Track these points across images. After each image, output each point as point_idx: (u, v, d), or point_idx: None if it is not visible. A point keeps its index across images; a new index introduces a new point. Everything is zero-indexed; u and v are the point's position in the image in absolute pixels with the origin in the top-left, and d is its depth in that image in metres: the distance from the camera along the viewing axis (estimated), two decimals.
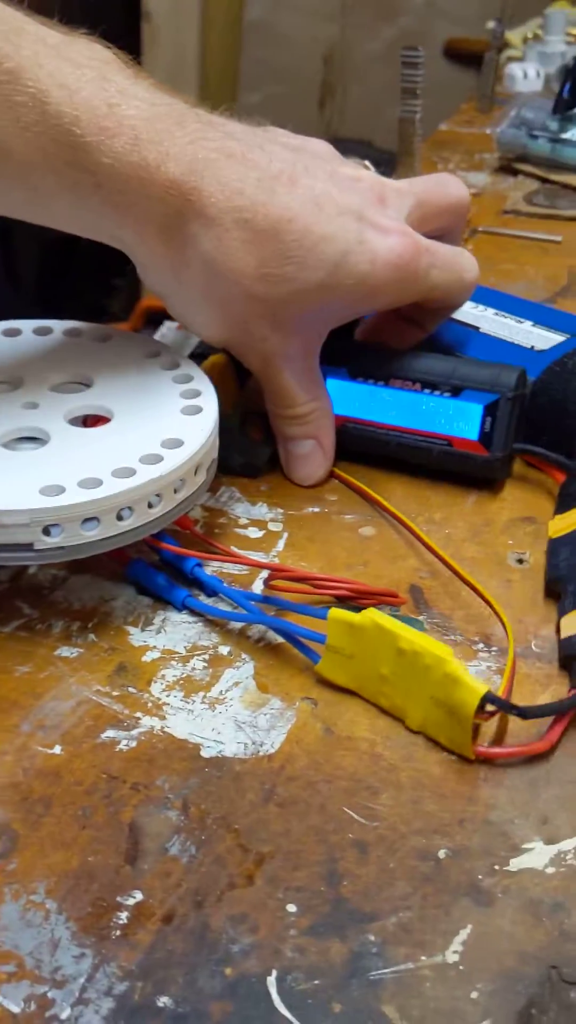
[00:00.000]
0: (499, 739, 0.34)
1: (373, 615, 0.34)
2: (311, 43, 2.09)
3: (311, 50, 2.10)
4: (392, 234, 0.41)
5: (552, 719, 0.33)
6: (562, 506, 0.42)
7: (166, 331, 0.57)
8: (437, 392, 0.44)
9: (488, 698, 0.31)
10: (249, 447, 0.46)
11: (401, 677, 0.33)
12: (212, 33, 1.90)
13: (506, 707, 0.32)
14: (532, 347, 0.48)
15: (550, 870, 0.29)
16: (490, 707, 0.32)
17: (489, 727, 0.34)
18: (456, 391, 0.44)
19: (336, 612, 0.35)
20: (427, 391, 0.45)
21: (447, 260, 0.44)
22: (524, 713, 0.33)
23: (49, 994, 0.26)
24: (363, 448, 0.46)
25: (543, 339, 0.49)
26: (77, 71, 0.37)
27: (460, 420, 0.44)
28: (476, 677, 0.32)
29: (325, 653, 0.35)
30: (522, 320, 0.51)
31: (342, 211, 0.41)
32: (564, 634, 0.36)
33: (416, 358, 0.46)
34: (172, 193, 0.38)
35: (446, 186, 0.46)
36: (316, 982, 0.27)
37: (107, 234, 0.40)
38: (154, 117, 0.38)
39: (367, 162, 0.48)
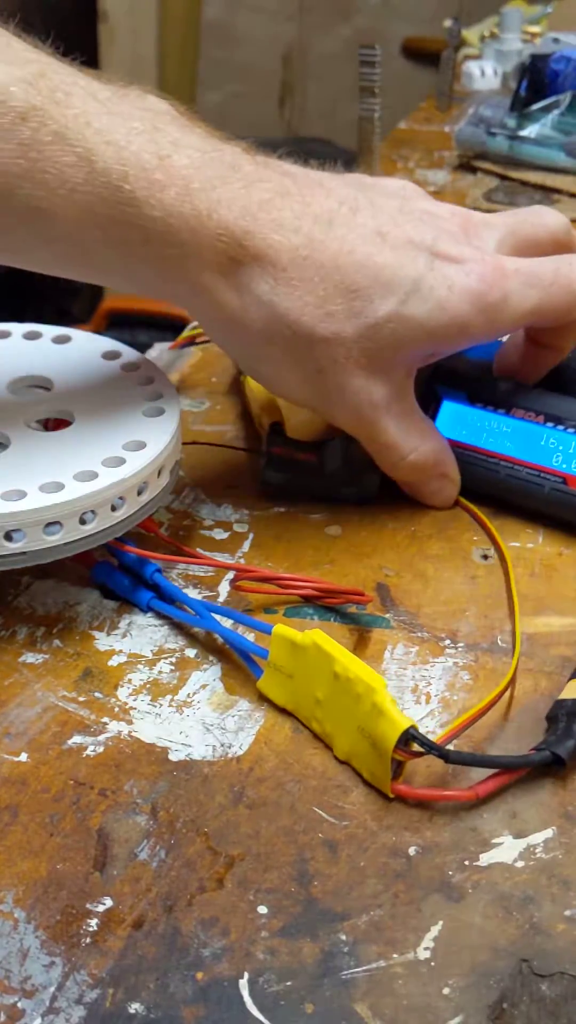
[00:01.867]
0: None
1: (316, 636, 0.33)
2: (270, 42, 2.10)
3: (270, 49, 2.10)
4: (468, 261, 0.39)
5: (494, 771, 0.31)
6: None
7: (158, 353, 0.56)
8: (560, 427, 0.42)
9: (410, 734, 0.30)
10: (356, 474, 0.43)
11: (334, 703, 0.32)
12: (170, 33, 1.90)
13: (428, 746, 0.30)
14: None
15: (520, 864, 0.29)
16: (416, 747, 0.30)
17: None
18: None
19: (280, 629, 0.34)
20: (550, 424, 0.42)
21: (544, 275, 0.40)
22: (447, 757, 0.30)
23: (19, 1004, 0.26)
24: (467, 479, 0.44)
25: None
26: (127, 124, 0.36)
27: None
28: (403, 713, 0.30)
29: (266, 670, 0.34)
30: None
31: (410, 241, 0.39)
32: (562, 696, 0.34)
33: (544, 393, 0.43)
34: (224, 240, 0.37)
35: (541, 215, 0.43)
36: (288, 983, 0.26)
37: (159, 290, 0.39)
38: (206, 164, 0.37)
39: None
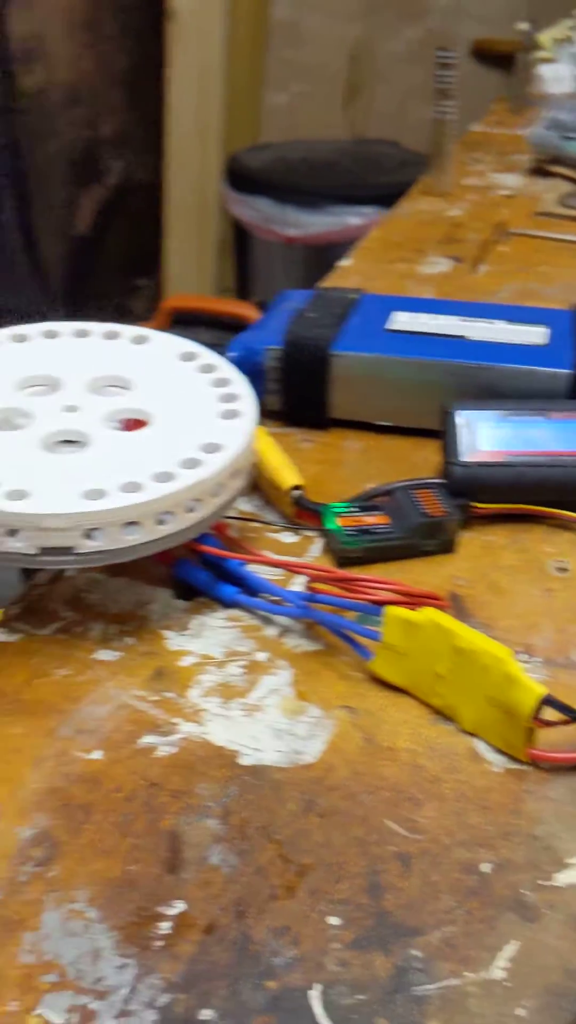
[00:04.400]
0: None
1: (431, 614, 0.34)
2: (336, 42, 2.09)
3: (336, 49, 2.09)
4: None
5: None
6: None
7: None
8: None
9: (547, 700, 0.31)
10: (436, 524, 0.41)
11: (457, 676, 0.33)
12: (238, 32, 1.90)
13: (565, 710, 0.31)
14: (534, 344, 0.48)
15: None
16: (549, 716, 0.32)
17: (543, 736, 0.33)
18: None
19: (393, 609, 0.35)
20: None
21: None
22: None
23: (91, 1005, 0.26)
24: (531, 485, 0.43)
25: (531, 335, 0.49)
26: None
27: None
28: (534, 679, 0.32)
29: (379, 650, 0.35)
30: (491, 320, 0.50)
31: None
32: None
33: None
34: None
35: None
36: (360, 997, 0.26)
37: None
38: None
39: None
